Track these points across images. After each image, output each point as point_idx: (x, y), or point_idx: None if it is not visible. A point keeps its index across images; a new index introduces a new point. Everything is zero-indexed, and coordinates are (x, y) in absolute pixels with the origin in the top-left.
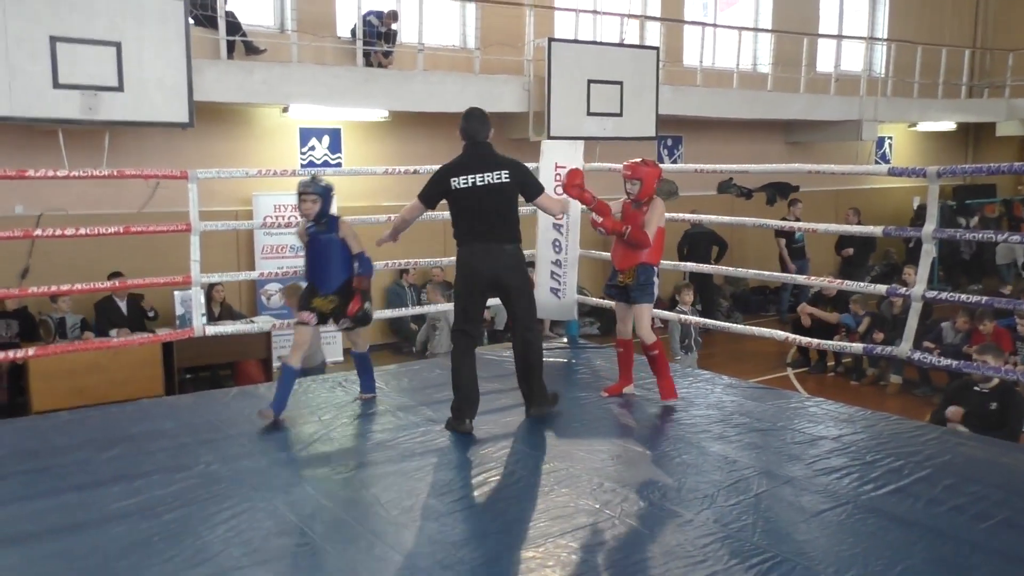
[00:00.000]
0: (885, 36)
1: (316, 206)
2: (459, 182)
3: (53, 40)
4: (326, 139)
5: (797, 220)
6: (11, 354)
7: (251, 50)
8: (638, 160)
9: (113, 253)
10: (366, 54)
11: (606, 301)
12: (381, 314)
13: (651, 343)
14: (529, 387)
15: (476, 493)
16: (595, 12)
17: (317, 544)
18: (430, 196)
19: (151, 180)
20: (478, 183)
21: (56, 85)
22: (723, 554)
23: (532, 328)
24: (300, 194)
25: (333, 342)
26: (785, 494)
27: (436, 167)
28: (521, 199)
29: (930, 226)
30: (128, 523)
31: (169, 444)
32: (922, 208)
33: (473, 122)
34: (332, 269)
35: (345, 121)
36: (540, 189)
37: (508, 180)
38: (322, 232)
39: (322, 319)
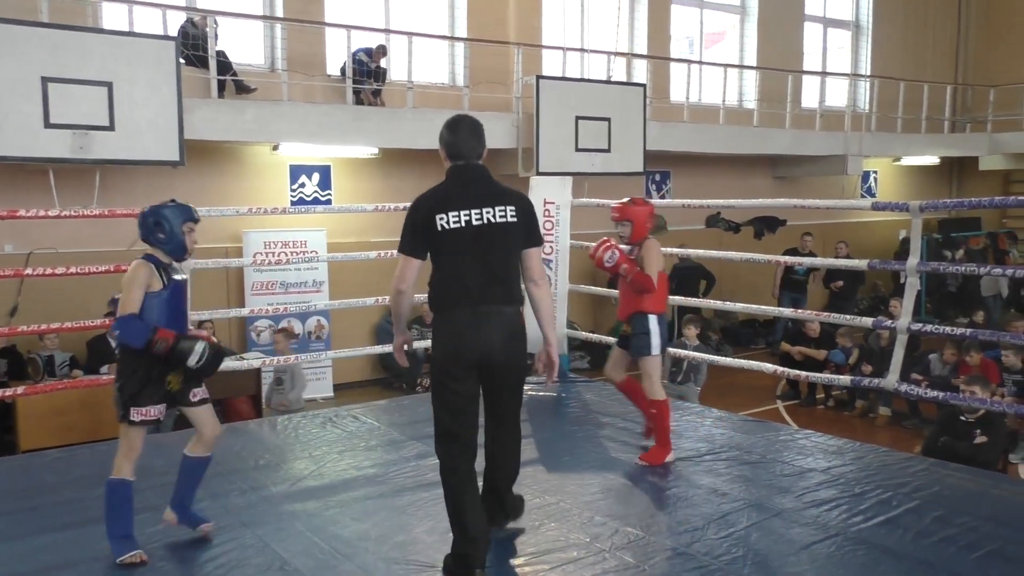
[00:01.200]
0: (868, 72)
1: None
2: (447, 221)
3: (45, 80)
4: (316, 176)
5: (811, 254)
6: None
7: (242, 89)
8: (626, 200)
9: (103, 291)
10: (356, 92)
11: (595, 335)
12: (372, 350)
13: (653, 399)
14: (502, 498)
15: None
16: (582, 50)
17: None
18: (417, 244)
19: None
20: (474, 221)
21: (47, 125)
22: None
23: (518, 430)
24: (195, 222)
25: (323, 377)
26: (775, 526)
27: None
28: None
29: (914, 259)
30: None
31: (158, 482)
32: (907, 241)
33: (462, 134)
34: (186, 325)
35: (335, 158)
36: (540, 241)
37: (515, 219)
38: (180, 274)
39: (172, 402)
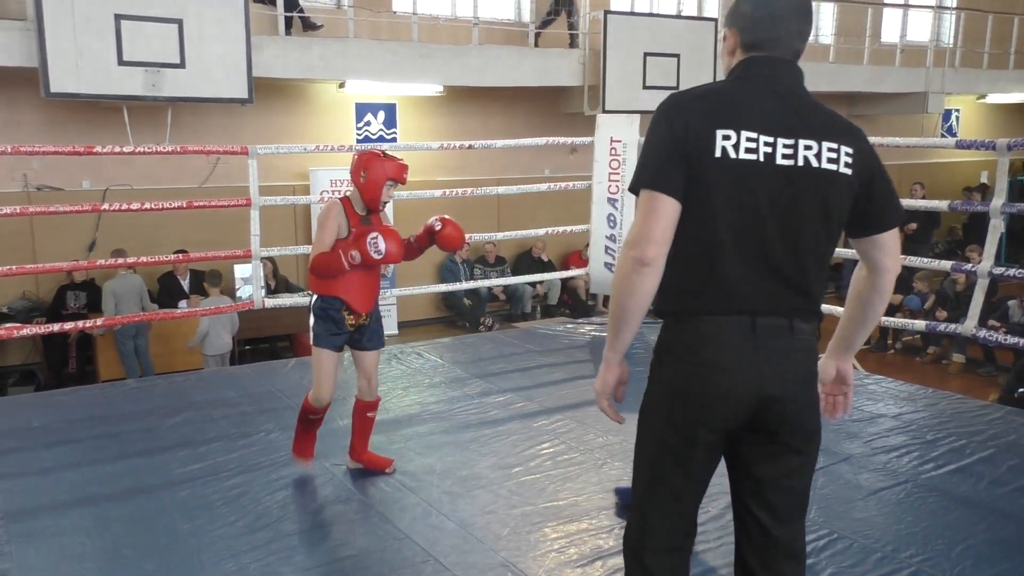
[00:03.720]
0: (954, 4)
1: None
2: (736, 143)
3: (118, 18)
4: (381, 114)
5: None
6: (80, 324)
7: (308, 26)
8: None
9: (175, 226)
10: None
11: None
12: (436, 288)
13: (375, 399)
14: None
15: (531, 464)
16: None
17: (373, 511)
18: (673, 173)
19: (211, 156)
20: (780, 158)
21: (121, 62)
22: None
23: (801, 559)
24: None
25: (387, 315)
26: (843, 471)
27: (492, 142)
28: None
29: (998, 200)
30: (192, 487)
31: (231, 412)
32: (985, 186)
33: (773, 5)
34: None
35: (400, 96)
36: (901, 213)
37: (850, 171)
38: None
39: None
